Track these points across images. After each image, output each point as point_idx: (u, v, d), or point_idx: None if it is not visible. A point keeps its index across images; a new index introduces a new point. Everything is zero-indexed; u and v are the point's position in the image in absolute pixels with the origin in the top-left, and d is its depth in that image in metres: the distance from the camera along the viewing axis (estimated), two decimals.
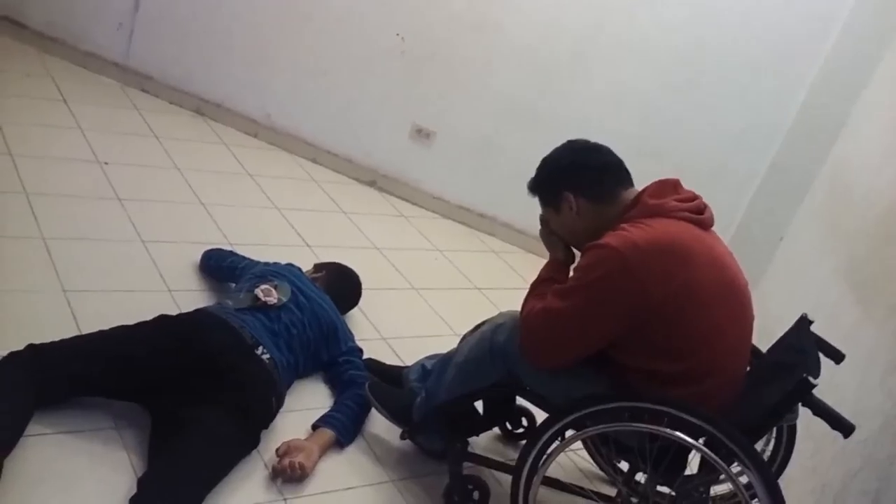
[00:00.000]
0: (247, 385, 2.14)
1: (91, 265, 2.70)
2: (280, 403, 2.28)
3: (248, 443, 2.13)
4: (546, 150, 2.13)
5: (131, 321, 2.20)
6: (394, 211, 3.99)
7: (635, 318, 1.87)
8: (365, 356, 2.64)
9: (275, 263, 2.75)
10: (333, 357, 2.56)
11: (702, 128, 3.78)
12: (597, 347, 1.93)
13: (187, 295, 2.73)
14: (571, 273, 2.00)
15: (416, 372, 2.52)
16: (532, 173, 2.17)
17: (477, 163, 4.03)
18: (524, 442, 2.01)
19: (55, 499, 1.85)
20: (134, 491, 1.85)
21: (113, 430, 2.08)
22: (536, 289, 2.07)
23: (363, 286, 2.95)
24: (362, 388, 2.44)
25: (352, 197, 3.94)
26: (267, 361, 2.22)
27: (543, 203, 2.14)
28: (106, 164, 3.35)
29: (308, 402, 2.45)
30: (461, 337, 2.52)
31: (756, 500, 1.80)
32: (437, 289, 3.41)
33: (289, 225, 3.46)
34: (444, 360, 2.27)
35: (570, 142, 2.12)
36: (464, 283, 3.55)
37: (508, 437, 2.60)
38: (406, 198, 4.10)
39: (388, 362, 2.70)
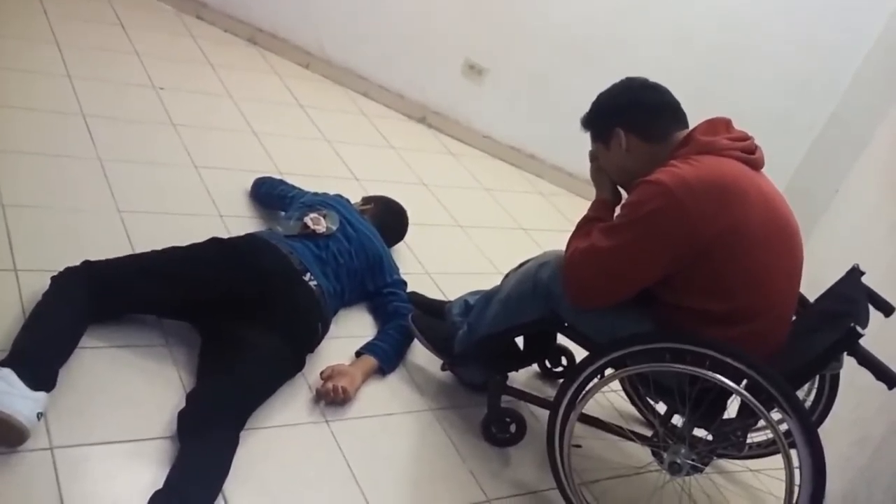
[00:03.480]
0: (294, 309, 2.19)
1: (145, 187, 2.75)
2: (326, 329, 2.32)
3: (293, 365, 2.18)
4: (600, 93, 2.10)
5: (183, 243, 2.25)
6: (443, 148, 3.98)
7: (683, 256, 1.85)
8: (409, 290, 2.66)
9: (324, 194, 2.77)
10: (378, 288, 2.59)
11: (762, 75, 3.68)
12: (642, 287, 1.92)
13: (238, 221, 2.77)
14: (618, 211, 1.99)
15: (458, 306, 2.53)
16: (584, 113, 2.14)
17: (528, 103, 3.99)
18: (563, 380, 2.02)
19: (107, 409, 1.92)
20: (183, 405, 1.91)
21: (164, 348, 2.14)
22: (582, 228, 2.06)
23: (410, 221, 2.97)
24: (405, 318, 2.47)
25: (402, 133, 3.94)
26: (314, 288, 2.26)
27: (594, 138, 2.11)
28: (161, 89, 3.39)
29: (352, 330, 2.49)
30: (504, 275, 2.53)
31: (794, 448, 1.79)
32: (483, 227, 3.41)
33: (338, 157, 3.48)
34: (487, 296, 2.29)
35: (628, 79, 2.08)
36: (509, 223, 3.55)
37: (547, 375, 2.62)
38: (455, 135, 4.08)
39: (431, 296, 2.72)
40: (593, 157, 2.15)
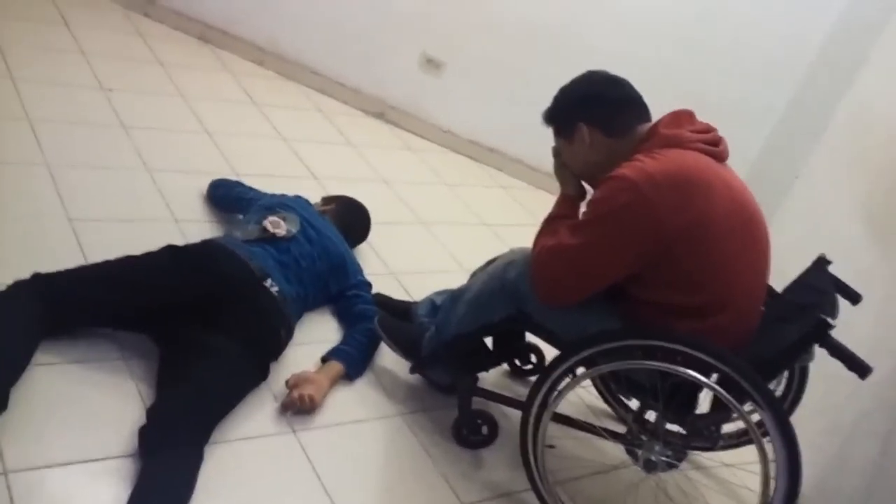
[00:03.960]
0: (255, 317, 2.12)
1: (96, 193, 2.65)
2: (289, 335, 2.26)
3: (257, 374, 2.12)
4: (561, 84, 2.06)
5: (137, 251, 2.17)
6: (402, 144, 3.93)
7: (650, 251, 1.82)
8: (374, 291, 2.61)
9: (282, 195, 2.70)
10: (342, 290, 2.53)
11: (721, 60, 3.68)
12: (610, 283, 1.90)
13: (194, 225, 2.69)
14: (584, 208, 1.95)
15: (425, 307, 2.49)
16: (546, 107, 2.10)
17: (487, 96, 3.95)
18: (534, 379, 1.99)
19: (63, 429, 1.84)
20: (143, 421, 1.84)
21: (120, 361, 2.06)
22: (548, 226, 2.03)
23: (372, 220, 2.91)
24: (371, 321, 2.42)
25: (360, 129, 3.87)
26: (276, 294, 2.19)
27: (557, 133, 2.08)
28: (110, 90, 3.28)
29: (317, 335, 2.43)
30: (471, 274, 2.49)
31: (767, 438, 1.78)
32: (446, 223, 3.37)
33: (296, 156, 3.40)
34: (453, 296, 2.24)
35: (589, 72, 2.05)
36: (472, 219, 3.51)
37: (517, 374, 2.59)
38: (414, 131, 4.02)
39: (396, 297, 2.67)
40: (556, 152, 2.12)
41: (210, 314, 2.06)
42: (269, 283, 2.20)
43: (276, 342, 2.19)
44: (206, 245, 2.24)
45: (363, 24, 3.92)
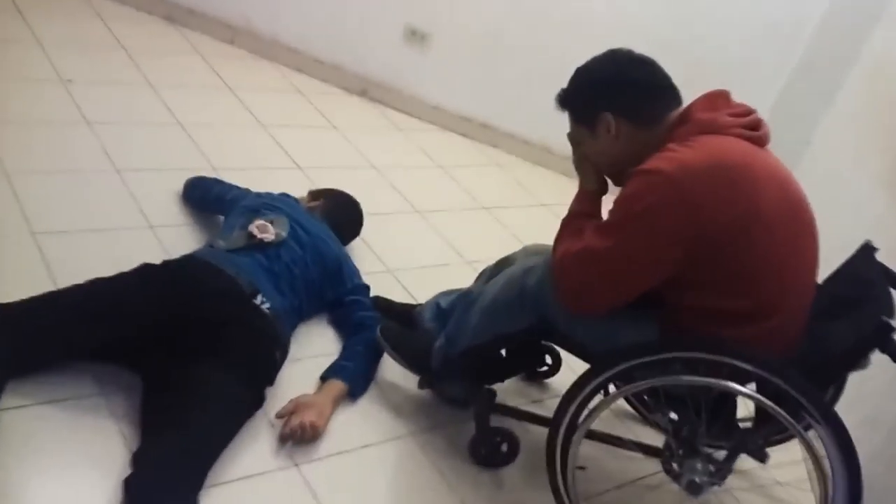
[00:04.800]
0: (246, 340, 1.91)
1: (62, 201, 2.41)
2: (285, 355, 2.05)
3: (251, 403, 1.91)
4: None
5: (110, 264, 1.96)
6: (388, 123, 3.68)
7: (691, 252, 1.63)
8: (372, 294, 2.40)
9: (267, 194, 2.47)
10: (339, 296, 2.32)
11: (725, 20, 3.45)
12: (645, 289, 1.70)
13: (171, 231, 2.46)
14: (612, 205, 1.75)
15: (430, 310, 2.29)
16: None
17: (477, 67, 3.69)
18: (550, 382, 1.79)
19: (36, 481, 1.64)
20: (127, 468, 1.64)
21: (100, 398, 1.85)
22: (569, 225, 1.82)
23: (364, 212, 2.69)
24: (373, 330, 2.21)
25: (342, 109, 3.62)
26: (268, 312, 1.98)
27: (576, 121, 1.86)
28: (70, 81, 3.01)
29: (314, 349, 2.22)
30: (479, 273, 2.29)
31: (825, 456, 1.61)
32: (442, 210, 3.15)
33: (277, 145, 3.16)
34: (465, 302, 2.04)
35: (612, 52, 1.82)
36: (470, 203, 3.29)
37: (531, 377, 2.40)
38: (401, 108, 3.78)
39: (396, 299, 2.47)
40: (575, 141, 1.90)
41: (195, 340, 1.85)
42: (259, 299, 1.98)
43: (270, 366, 1.98)
44: (187, 262, 2.02)
45: None
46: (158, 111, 3.06)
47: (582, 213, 1.83)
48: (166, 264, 1.99)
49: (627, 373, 1.69)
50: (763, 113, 3.44)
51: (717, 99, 1.76)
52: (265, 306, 1.98)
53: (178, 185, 2.62)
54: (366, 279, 2.42)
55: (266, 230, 2.18)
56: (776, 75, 3.49)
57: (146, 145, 2.83)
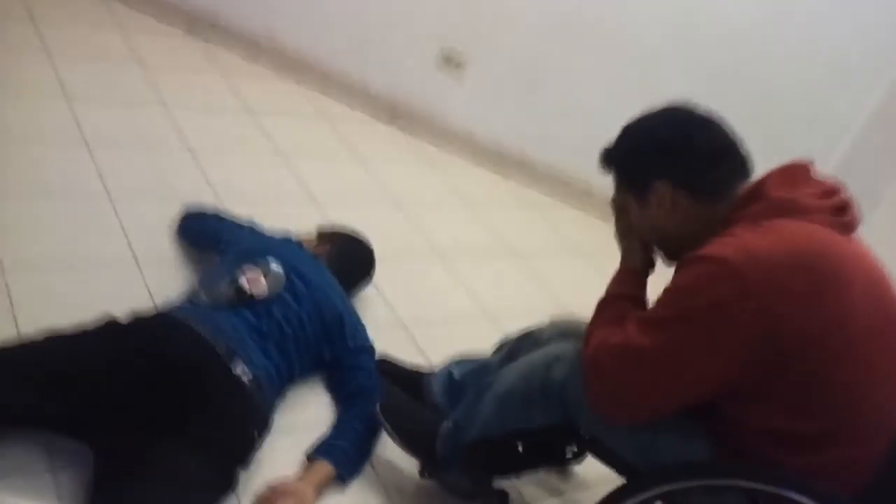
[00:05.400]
0: (218, 416, 1.64)
1: (39, 229, 2.17)
2: (265, 431, 1.78)
3: (221, 487, 1.64)
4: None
5: (82, 306, 1.76)
6: (418, 156, 3.41)
7: (755, 361, 1.33)
8: (377, 348, 2.12)
9: (267, 237, 2.22)
10: (338, 357, 2.05)
11: (792, 56, 3.11)
12: (696, 401, 1.40)
13: (159, 270, 2.21)
14: (661, 293, 1.45)
15: (441, 382, 2.01)
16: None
17: (515, 99, 3.41)
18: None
19: None
20: None
21: (48, 474, 1.59)
22: (607, 309, 1.53)
23: (378, 252, 2.40)
24: (372, 402, 1.93)
25: (369, 138, 3.36)
26: (248, 383, 1.71)
27: (623, 187, 1.57)
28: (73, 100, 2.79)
29: (304, 418, 1.95)
30: (497, 345, 2.00)
31: None
32: (469, 255, 2.86)
33: (293, 176, 2.90)
34: (478, 385, 1.75)
35: (669, 110, 1.53)
36: (500, 249, 3.00)
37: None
38: (432, 140, 3.50)
39: (406, 356, 2.19)
40: (620, 209, 1.60)
41: (159, 415, 1.59)
42: (239, 367, 1.71)
43: (245, 446, 1.70)
44: (158, 322, 1.75)
45: (374, 16, 3.39)
46: (166, 133, 2.83)
47: (623, 295, 1.54)
48: (134, 323, 1.73)
49: (675, 495, 1.39)
50: (830, 164, 3.15)
51: (797, 173, 1.46)
52: (245, 375, 1.71)
53: (173, 216, 2.38)
54: (373, 332, 2.14)
55: (258, 284, 1.91)
56: (848, 121, 3.14)
57: (147, 170, 2.59)
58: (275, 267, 1.97)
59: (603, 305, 1.54)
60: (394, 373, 2.12)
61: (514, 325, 2.52)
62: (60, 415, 1.58)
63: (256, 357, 1.79)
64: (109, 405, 1.57)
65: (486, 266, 2.85)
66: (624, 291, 1.54)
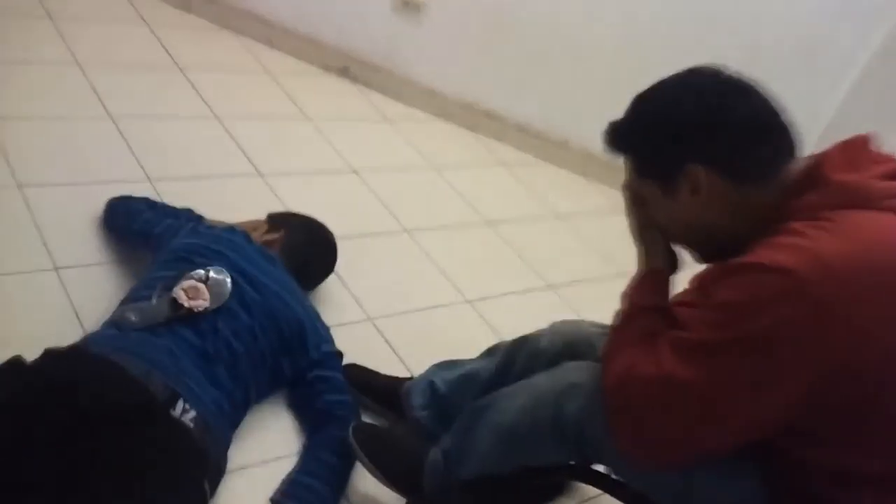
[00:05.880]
0: (159, 474, 1.32)
1: None
2: (218, 477, 1.48)
3: None
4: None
5: None
6: (374, 112, 3.06)
7: (829, 394, 1.06)
8: (343, 351, 1.82)
9: (207, 229, 1.87)
10: (300, 370, 1.74)
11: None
12: (751, 440, 1.14)
13: (81, 274, 1.86)
14: (700, 309, 1.16)
15: (422, 393, 1.73)
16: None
17: (480, 44, 3.05)
18: None
19: None
20: None
21: None
22: (629, 326, 1.24)
23: (338, 234, 2.08)
24: (343, 424, 1.65)
25: (318, 93, 2.99)
26: (192, 426, 1.39)
27: (641, 172, 1.26)
28: None
29: (263, 450, 1.65)
30: (486, 351, 1.72)
31: None
32: (439, 229, 2.55)
33: (233, 142, 2.54)
34: (473, 410, 1.46)
35: (694, 75, 1.22)
36: (472, 217, 2.69)
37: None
38: (389, 93, 3.14)
39: (375, 360, 1.89)
40: (636, 198, 1.30)
41: (85, 478, 1.27)
42: (180, 408, 1.39)
43: (196, 500, 1.40)
44: (74, 361, 1.40)
45: None
46: (83, 98, 2.43)
47: (649, 307, 1.25)
48: (43, 364, 1.38)
49: None
50: (830, 109, 2.88)
51: (859, 150, 1.18)
52: (188, 416, 1.40)
53: (96, 207, 2.02)
54: (336, 332, 1.84)
55: (197, 295, 1.58)
56: (850, 61, 2.85)
57: (63, 149, 2.21)
58: (216, 273, 1.64)
59: (625, 321, 1.25)
60: (364, 382, 1.83)
61: (498, 308, 2.26)
62: None
63: (202, 389, 1.48)
64: (13, 480, 1.25)
65: (458, 239, 2.54)
66: (649, 302, 1.25)
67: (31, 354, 1.39)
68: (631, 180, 1.30)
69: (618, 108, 1.26)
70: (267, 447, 1.66)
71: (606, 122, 1.28)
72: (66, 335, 1.63)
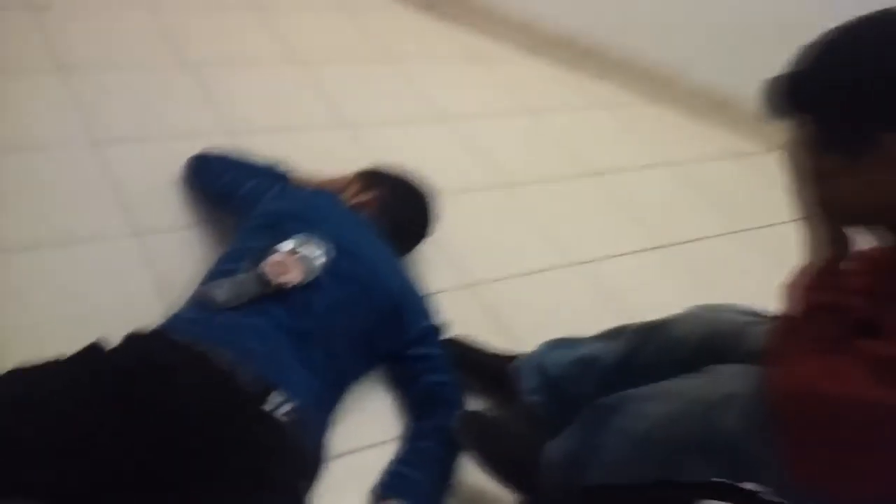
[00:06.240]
0: (251, 478, 1.19)
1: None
2: (315, 475, 1.33)
3: None
4: None
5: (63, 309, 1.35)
6: (462, 51, 2.82)
7: None
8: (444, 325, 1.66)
9: (295, 190, 1.71)
10: (397, 348, 1.59)
11: None
12: None
13: (162, 240, 1.74)
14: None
15: (531, 374, 1.55)
16: (781, 77, 1.03)
17: None
18: None
19: None
20: None
21: None
22: (805, 327, 1.02)
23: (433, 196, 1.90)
24: (449, 409, 1.50)
25: (402, 32, 2.77)
26: (286, 422, 1.25)
27: (825, 142, 1.02)
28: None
29: (362, 434, 1.51)
30: (611, 330, 1.52)
31: None
32: (538, 181, 2.34)
33: (314, 89, 2.36)
34: (597, 409, 1.28)
35: (890, 12, 0.96)
36: (574, 166, 2.46)
37: None
38: (478, 28, 2.89)
39: (478, 331, 1.72)
40: (812, 173, 1.05)
41: (170, 483, 1.14)
42: (274, 400, 1.25)
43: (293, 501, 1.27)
44: (154, 349, 1.25)
45: None
46: (158, 43, 2.28)
47: (828, 305, 1.02)
48: (121, 355, 1.24)
49: None
50: None
51: None
52: (282, 411, 1.25)
53: (176, 164, 1.87)
54: (433, 301, 1.67)
55: (287, 269, 1.43)
56: None
57: (136, 95, 2.07)
58: (306, 243, 1.48)
59: (798, 320, 1.04)
60: (466, 359, 1.66)
61: (609, 272, 2.06)
62: (30, 490, 1.14)
63: (297, 376, 1.33)
64: (92, 480, 1.12)
65: (563, 192, 2.32)
66: (827, 299, 1.03)
67: (111, 330, 1.26)
68: (803, 149, 1.06)
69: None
70: (364, 432, 1.52)
71: (767, 73, 1.03)
72: (147, 308, 1.53)
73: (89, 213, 1.73)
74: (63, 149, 1.85)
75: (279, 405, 1.25)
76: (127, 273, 1.64)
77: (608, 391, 1.32)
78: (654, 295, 1.99)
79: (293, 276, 1.43)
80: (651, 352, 1.36)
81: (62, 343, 1.21)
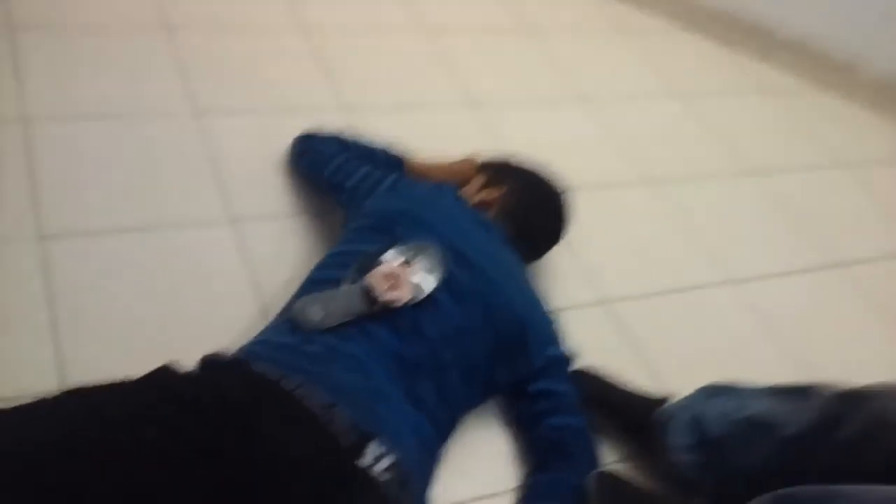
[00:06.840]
0: None
1: (73, 161, 1.53)
2: None
3: None
4: None
5: (143, 306, 1.23)
6: (606, 23, 2.50)
7: None
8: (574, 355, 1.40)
9: (410, 184, 1.48)
10: (518, 380, 1.34)
11: None
12: None
13: (261, 228, 1.54)
14: None
15: (685, 429, 1.28)
16: None
17: None
18: None
19: None
20: None
21: None
22: None
23: (561, 184, 1.62)
24: (575, 464, 1.24)
25: (545, 2, 2.48)
26: (384, 478, 1.02)
27: None
28: None
29: (473, 483, 1.28)
30: (791, 387, 1.23)
31: None
32: (688, 179, 2.03)
33: (441, 61, 2.11)
34: (789, 495, 0.99)
35: None
36: (730, 163, 2.13)
37: None
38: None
39: (614, 359, 1.45)
40: None
41: None
42: (370, 456, 1.02)
43: None
44: (234, 386, 1.04)
45: None
46: (270, 8, 2.08)
47: None
48: (195, 386, 1.04)
49: None
50: None
51: None
52: (381, 467, 1.02)
53: (282, 142, 1.67)
54: (562, 320, 1.41)
55: (398, 284, 1.19)
56: None
57: (242, 62, 1.88)
58: (421, 254, 1.24)
59: None
60: (600, 395, 1.39)
61: (773, 293, 1.74)
62: None
63: (400, 417, 1.11)
64: None
65: (717, 194, 2.01)
66: None
67: (195, 332, 1.07)
68: None
69: None
70: (476, 481, 1.28)
71: None
72: (239, 309, 1.35)
73: (185, 193, 1.55)
74: (163, 117, 1.68)
75: (378, 459, 1.02)
76: (218, 265, 1.45)
77: (785, 468, 1.04)
78: (826, 325, 1.68)
79: (403, 294, 1.20)
80: (855, 426, 1.06)
81: (138, 342, 1.03)
